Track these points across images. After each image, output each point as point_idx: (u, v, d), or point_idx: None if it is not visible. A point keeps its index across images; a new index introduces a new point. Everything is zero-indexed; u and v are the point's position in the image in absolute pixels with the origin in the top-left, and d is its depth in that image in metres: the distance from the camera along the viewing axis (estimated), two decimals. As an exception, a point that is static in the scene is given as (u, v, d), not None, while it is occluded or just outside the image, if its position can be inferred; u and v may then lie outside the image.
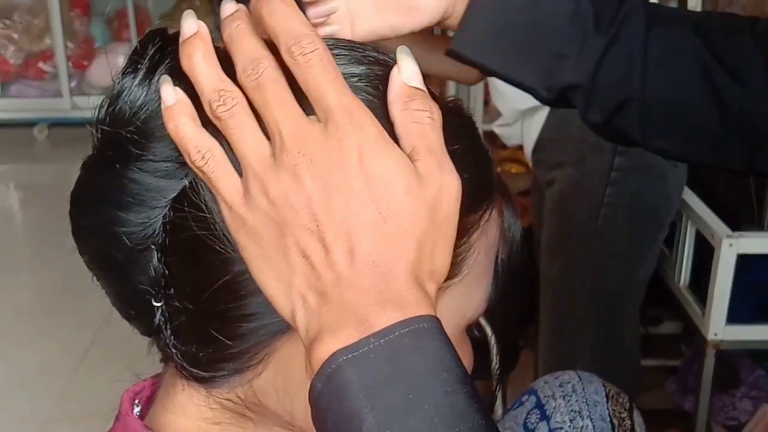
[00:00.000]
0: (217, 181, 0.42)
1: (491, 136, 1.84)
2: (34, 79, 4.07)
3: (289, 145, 0.40)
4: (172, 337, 0.47)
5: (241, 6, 0.44)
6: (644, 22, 0.69)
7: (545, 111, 1.53)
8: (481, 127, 2.11)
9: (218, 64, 0.43)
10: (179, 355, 0.47)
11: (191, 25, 0.43)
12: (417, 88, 0.43)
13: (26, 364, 2.25)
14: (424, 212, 0.41)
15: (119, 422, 0.51)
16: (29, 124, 3.94)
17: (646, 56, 0.69)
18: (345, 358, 0.38)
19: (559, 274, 1.54)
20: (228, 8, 0.44)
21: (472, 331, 0.54)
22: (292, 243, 0.40)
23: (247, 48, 0.42)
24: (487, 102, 2.64)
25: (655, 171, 1.48)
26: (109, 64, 3.71)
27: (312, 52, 0.41)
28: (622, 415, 0.81)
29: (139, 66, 0.45)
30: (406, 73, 0.43)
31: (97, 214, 0.46)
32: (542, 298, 1.59)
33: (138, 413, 0.53)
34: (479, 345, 0.54)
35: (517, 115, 1.58)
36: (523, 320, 1.88)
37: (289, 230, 0.40)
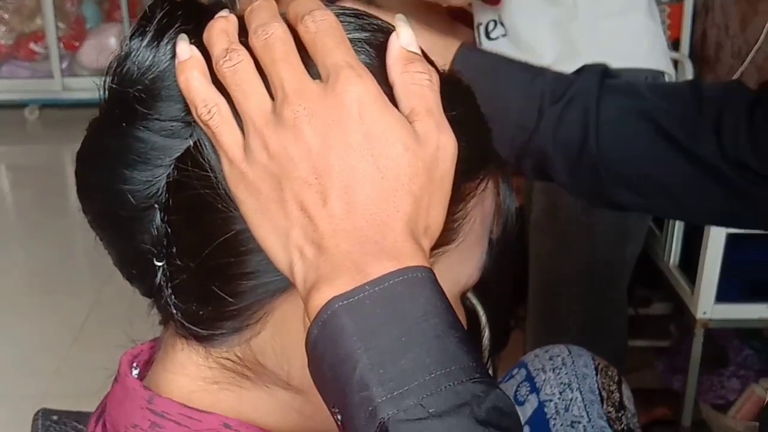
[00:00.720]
0: (220, 135, 0.43)
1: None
2: (25, 59, 4.04)
3: (291, 99, 0.41)
4: (173, 296, 0.48)
5: None
6: (597, 91, 0.75)
7: None
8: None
9: (234, 32, 0.45)
10: (179, 314, 0.48)
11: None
12: (415, 52, 0.44)
13: (21, 342, 2.26)
14: (422, 169, 0.42)
15: (118, 384, 0.51)
16: (20, 105, 3.91)
17: (598, 120, 0.74)
18: (341, 304, 0.39)
19: (547, 252, 1.55)
20: None
21: (465, 302, 0.55)
22: (290, 196, 0.41)
23: (261, 14, 0.45)
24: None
25: None
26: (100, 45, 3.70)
27: (323, 20, 0.43)
28: (611, 388, 0.82)
29: (147, 29, 0.46)
30: (405, 38, 0.44)
31: (102, 171, 0.47)
32: (531, 276, 1.60)
33: (137, 375, 0.53)
34: (470, 325, 0.55)
35: None
36: (513, 300, 1.89)
37: (287, 183, 0.41)
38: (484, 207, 0.50)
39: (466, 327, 0.53)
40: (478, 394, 0.38)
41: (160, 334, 0.53)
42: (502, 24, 1.53)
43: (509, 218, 0.54)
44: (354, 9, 0.49)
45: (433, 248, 0.47)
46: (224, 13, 0.46)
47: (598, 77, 0.76)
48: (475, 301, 0.56)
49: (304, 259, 0.41)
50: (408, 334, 0.39)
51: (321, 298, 0.40)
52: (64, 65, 3.93)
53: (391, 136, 0.41)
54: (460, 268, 0.50)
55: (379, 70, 0.44)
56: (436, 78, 0.44)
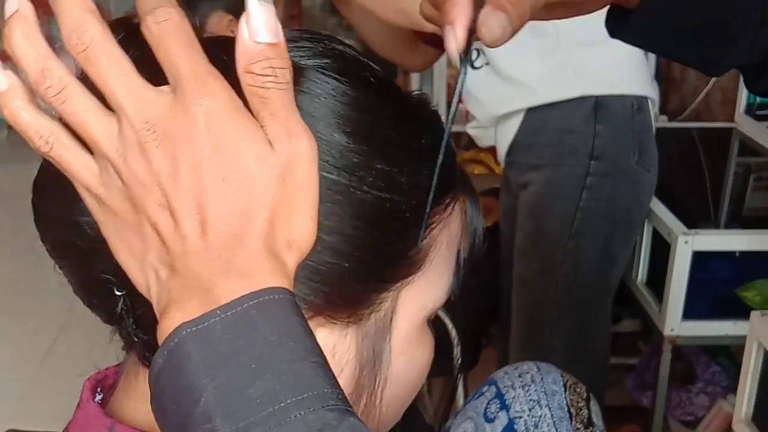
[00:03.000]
0: (67, 165, 0.41)
1: (455, 137, 1.85)
2: (-6, 78, 4.01)
3: (134, 120, 0.39)
4: (134, 326, 0.47)
5: None
6: None
7: (521, 116, 1.54)
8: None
9: (42, 41, 0.39)
10: (141, 344, 0.47)
11: (13, 4, 0.40)
12: (264, 43, 0.39)
13: (-14, 366, 2.23)
14: (276, 180, 0.39)
15: (80, 410, 0.51)
16: (-12, 125, 3.88)
17: None
18: (188, 331, 0.37)
19: (533, 276, 1.55)
20: None
21: (436, 328, 0.55)
22: (144, 219, 0.40)
23: (68, 8, 0.39)
24: (449, 103, 2.65)
25: (629, 176, 1.51)
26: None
27: (165, 21, 0.39)
28: (580, 405, 0.82)
29: None
30: (253, 24, 0.39)
31: (59, 202, 0.46)
32: (515, 299, 1.60)
33: (100, 400, 0.53)
34: (441, 342, 0.55)
35: (493, 120, 1.60)
36: (485, 318, 1.90)
37: (141, 207, 0.40)
38: (450, 230, 0.50)
39: (433, 353, 0.53)
40: (330, 423, 0.36)
41: (123, 359, 0.53)
42: (484, 53, 1.55)
43: (477, 238, 0.53)
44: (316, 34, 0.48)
45: (399, 279, 0.47)
46: (12, 2, 0.39)
47: None
48: (445, 317, 0.56)
49: (159, 281, 0.40)
50: (259, 361, 0.36)
51: (169, 324, 0.37)
52: (32, 85, 3.90)
53: (242, 148, 0.39)
54: (428, 294, 0.50)
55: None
56: (286, 74, 0.40)
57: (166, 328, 0.38)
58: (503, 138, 1.59)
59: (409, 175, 0.46)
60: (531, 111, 1.52)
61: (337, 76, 0.45)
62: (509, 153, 1.59)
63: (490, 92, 1.56)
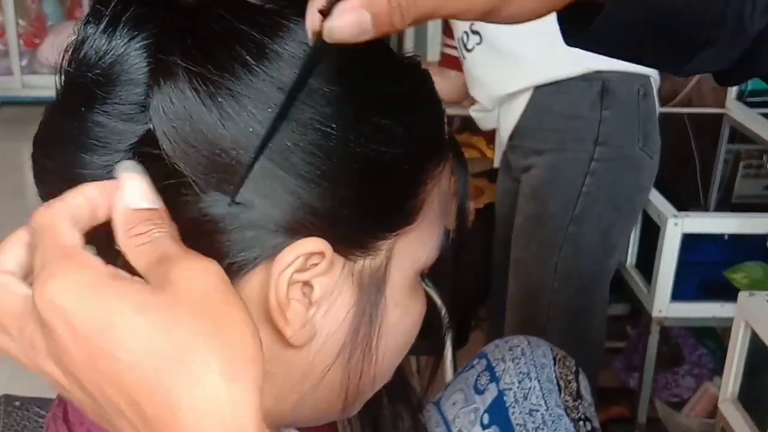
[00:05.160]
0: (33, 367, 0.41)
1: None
2: (-16, 56, 4.00)
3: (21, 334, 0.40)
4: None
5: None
6: None
7: (525, 97, 1.54)
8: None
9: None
10: None
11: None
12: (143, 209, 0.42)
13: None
14: (171, 323, 0.38)
15: None
16: (-22, 103, 3.87)
17: None
18: None
19: (531, 259, 1.56)
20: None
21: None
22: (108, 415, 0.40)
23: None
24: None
25: (633, 162, 1.51)
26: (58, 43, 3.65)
27: (39, 226, 0.41)
28: (569, 378, 0.84)
29: (103, 14, 0.45)
30: (130, 196, 0.42)
31: (61, 156, 0.46)
32: (511, 281, 1.60)
33: None
34: (430, 320, 0.56)
35: (496, 102, 1.59)
36: (475, 299, 1.91)
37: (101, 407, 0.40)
38: (441, 187, 0.51)
39: (425, 308, 0.54)
40: None
41: None
42: (475, 32, 1.54)
43: (464, 200, 0.55)
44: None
45: (396, 228, 0.49)
46: None
47: None
48: (433, 293, 0.57)
49: None
50: None
51: None
52: (23, 62, 3.89)
53: (118, 315, 0.37)
54: (421, 247, 0.51)
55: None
56: (165, 223, 0.42)
57: None
58: (506, 121, 1.59)
59: (405, 128, 0.47)
60: (537, 91, 1.51)
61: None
62: (512, 137, 1.59)
63: (492, 72, 1.56)
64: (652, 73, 1.54)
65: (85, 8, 3.87)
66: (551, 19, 0.62)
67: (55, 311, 0.38)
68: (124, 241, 0.41)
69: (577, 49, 0.63)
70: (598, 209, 1.51)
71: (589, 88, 1.49)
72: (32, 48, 3.96)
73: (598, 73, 1.49)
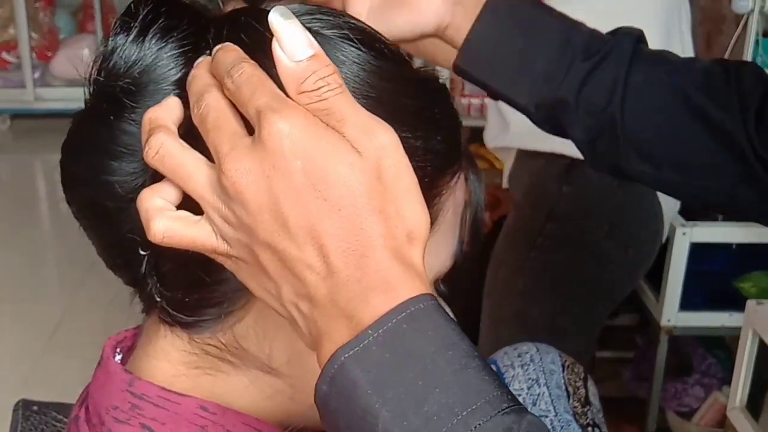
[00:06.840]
0: (192, 241, 0.42)
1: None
2: (-3, 69, 4.03)
3: (225, 166, 0.39)
4: (158, 284, 0.48)
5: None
6: (629, 56, 0.72)
7: (513, 152, 1.58)
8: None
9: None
10: (165, 302, 0.49)
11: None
12: (304, 59, 0.39)
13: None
14: (373, 181, 0.39)
15: (100, 368, 0.52)
16: (-9, 115, 3.89)
17: (626, 84, 0.72)
18: (346, 356, 0.37)
19: (501, 285, 1.49)
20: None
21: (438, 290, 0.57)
22: (265, 259, 0.40)
23: (195, 86, 0.43)
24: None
25: (591, 249, 1.45)
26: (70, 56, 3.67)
27: (238, 75, 0.41)
28: (577, 384, 0.84)
29: (131, 25, 0.47)
30: (288, 46, 0.39)
31: (89, 163, 0.48)
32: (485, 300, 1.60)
33: (119, 360, 0.54)
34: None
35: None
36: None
37: (257, 248, 0.40)
38: (456, 197, 0.52)
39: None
40: (510, 427, 0.36)
41: (143, 321, 0.54)
42: None
43: (478, 209, 0.56)
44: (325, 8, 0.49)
45: None
46: None
47: (633, 42, 0.73)
48: (444, 303, 0.58)
49: (303, 314, 0.40)
50: (424, 376, 0.37)
51: (325, 352, 0.38)
52: (36, 75, 3.91)
53: (330, 161, 0.38)
54: (436, 256, 0.52)
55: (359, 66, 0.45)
56: (336, 78, 0.40)
57: (322, 356, 0.39)
58: (504, 159, 1.65)
59: (424, 141, 0.48)
60: (520, 152, 1.54)
61: (358, 45, 0.46)
62: (509, 176, 1.63)
63: (491, 119, 1.60)
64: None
65: (97, 22, 3.91)
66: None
67: (284, 142, 0.38)
68: (295, 98, 0.40)
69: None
70: (540, 291, 1.41)
71: (554, 161, 1.43)
72: (45, 61, 3.98)
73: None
